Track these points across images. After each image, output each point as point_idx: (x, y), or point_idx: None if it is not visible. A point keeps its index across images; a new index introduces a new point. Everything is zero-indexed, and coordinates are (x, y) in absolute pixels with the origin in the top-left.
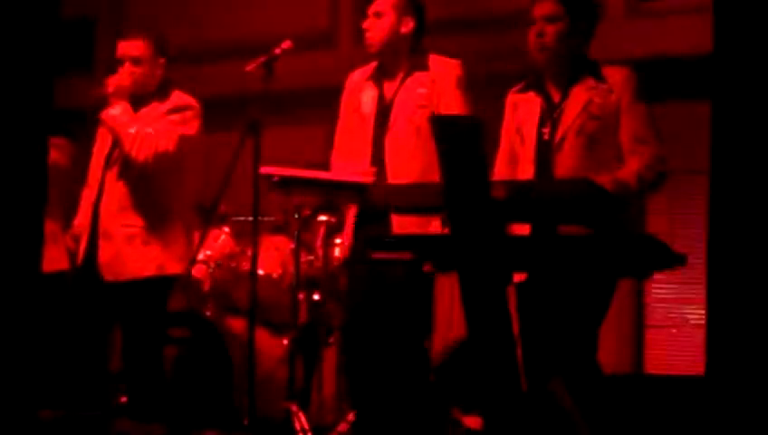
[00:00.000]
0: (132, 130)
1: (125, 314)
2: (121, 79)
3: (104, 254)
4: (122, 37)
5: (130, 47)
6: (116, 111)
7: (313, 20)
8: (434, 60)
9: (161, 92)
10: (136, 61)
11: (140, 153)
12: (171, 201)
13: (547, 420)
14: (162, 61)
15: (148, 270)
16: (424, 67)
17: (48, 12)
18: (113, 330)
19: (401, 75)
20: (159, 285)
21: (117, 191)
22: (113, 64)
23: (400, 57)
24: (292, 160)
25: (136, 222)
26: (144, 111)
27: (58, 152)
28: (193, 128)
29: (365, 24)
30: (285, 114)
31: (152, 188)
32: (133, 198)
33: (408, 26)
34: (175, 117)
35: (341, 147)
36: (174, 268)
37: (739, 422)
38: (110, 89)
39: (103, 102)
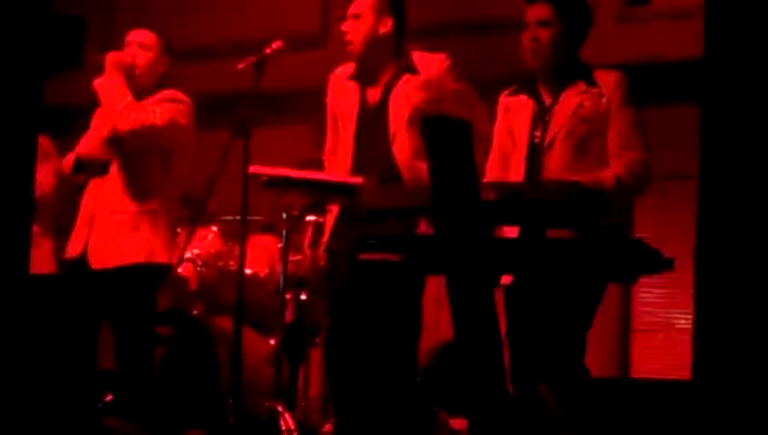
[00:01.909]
0: (120, 101)
1: (114, 303)
2: (123, 55)
3: (93, 241)
4: (134, 29)
5: (140, 35)
6: (109, 81)
7: (304, 20)
8: (419, 58)
9: (157, 91)
10: (143, 46)
11: (127, 123)
12: (159, 189)
13: (533, 423)
14: (167, 60)
15: (137, 257)
16: (412, 68)
17: (39, 10)
18: (102, 324)
19: (387, 78)
20: (148, 273)
21: (108, 178)
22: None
23: (382, 59)
24: (281, 160)
25: (126, 208)
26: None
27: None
28: (182, 116)
29: (343, 26)
30: (275, 114)
31: (142, 174)
32: (123, 185)
33: (386, 27)
34: (165, 104)
35: (331, 148)
36: (162, 256)
37: (725, 427)
38: (109, 59)
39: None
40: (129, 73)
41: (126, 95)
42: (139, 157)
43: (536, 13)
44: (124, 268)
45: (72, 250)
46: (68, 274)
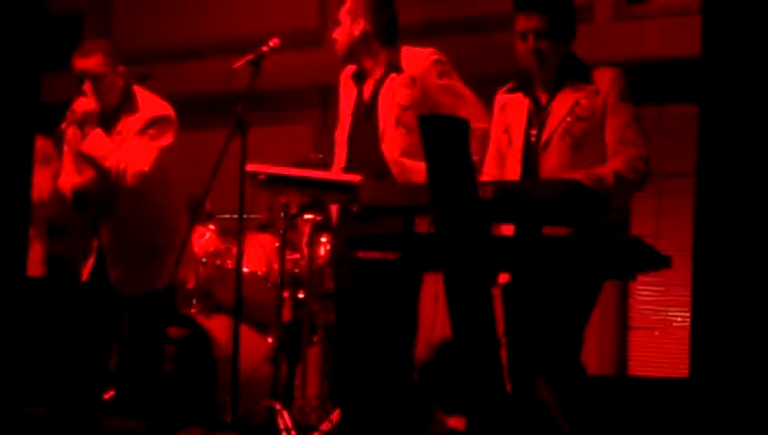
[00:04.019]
0: (108, 165)
1: (137, 320)
2: (88, 104)
3: (115, 271)
4: (78, 54)
5: (87, 64)
6: (92, 142)
7: (301, 18)
8: (406, 55)
9: (127, 103)
10: (95, 77)
11: (125, 180)
12: (167, 211)
13: (531, 421)
14: (121, 69)
15: (163, 282)
16: (397, 67)
17: (35, 8)
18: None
19: (377, 77)
20: (173, 291)
21: (114, 210)
22: (76, 80)
23: (365, 59)
24: (278, 158)
25: (140, 238)
26: (117, 128)
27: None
28: (169, 138)
29: (334, 34)
30: (272, 112)
31: (146, 201)
32: (131, 216)
33: (358, 28)
34: (151, 131)
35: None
36: (183, 273)
37: (723, 424)
38: (80, 117)
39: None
40: (99, 108)
41: (112, 152)
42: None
43: (523, 21)
44: (152, 293)
45: (86, 275)
46: (90, 294)
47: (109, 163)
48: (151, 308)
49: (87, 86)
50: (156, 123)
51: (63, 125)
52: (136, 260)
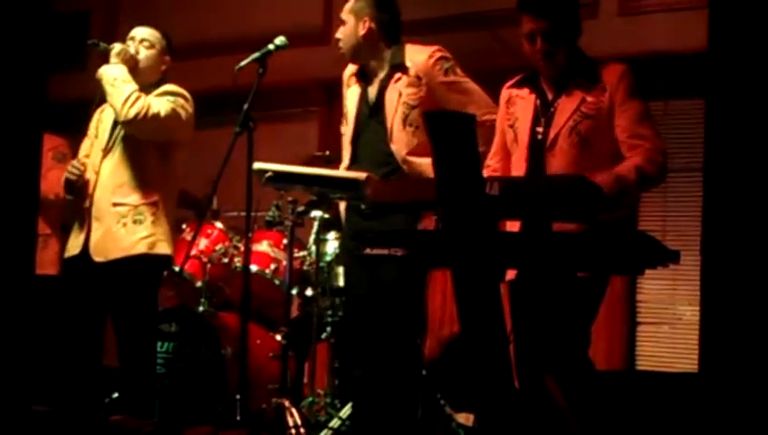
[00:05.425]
0: (126, 88)
1: (117, 295)
2: (128, 47)
3: (95, 234)
4: (138, 26)
5: (144, 32)
6: (114, 69)
7: (307, 16)
8: (411, 53)
9: (158, 87)
10: (147, 43)
11: (131, 110)
12: (159, 182)
13: (539, 416)
14: (168, 58)
15: (138, 248)
16: (402, 66)
17: (42, 6)
18: (107, 317)
19: (382, 76)
20: (150, 264)
21: (109, 171)
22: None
23: (371, 58)
24: (284, 156)
25: (127, 201)
26: None
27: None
28: (185, 110)
29: (337, 33)
30: (278, 109)
31: (142, 167)
32: (124, 177)
33: (364, 28)
34: (168, 97)
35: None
36: (163, 248)
37: (732, 419)
38: (116, 49)
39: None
40: (132, 67)
41: (131, 83)
42: (138, 150)
43: (529, 23)
44: (126, 259)
45: (73, 248)
46: (70, 270)
47: (124, 87)
48: (129, 276)
49: (136, 46)
50: (173, 94)
51: (97, 41)
52: (118, 219)
